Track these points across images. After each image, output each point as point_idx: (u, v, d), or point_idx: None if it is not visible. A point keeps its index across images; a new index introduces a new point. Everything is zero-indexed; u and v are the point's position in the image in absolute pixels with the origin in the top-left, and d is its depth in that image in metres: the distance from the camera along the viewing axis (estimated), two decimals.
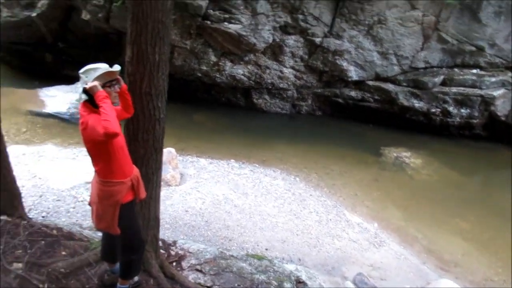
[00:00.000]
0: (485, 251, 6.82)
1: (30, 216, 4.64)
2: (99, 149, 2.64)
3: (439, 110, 11.67)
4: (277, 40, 11.14)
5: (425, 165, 9.88)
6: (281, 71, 11.69)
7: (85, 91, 2.60)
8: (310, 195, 7.65)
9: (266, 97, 12.31)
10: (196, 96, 12.56)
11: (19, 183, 4.40)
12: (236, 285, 4.01)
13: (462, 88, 11.46)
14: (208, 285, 3.91)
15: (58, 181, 6.64)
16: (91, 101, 2.60)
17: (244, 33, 10.61)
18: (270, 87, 12.00)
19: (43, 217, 5.43)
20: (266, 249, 5.77)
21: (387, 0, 10.77)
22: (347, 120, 12.24)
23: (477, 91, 11.38)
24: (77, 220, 5.51)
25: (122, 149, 2.77)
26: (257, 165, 8.67)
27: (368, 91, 11.95)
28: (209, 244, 5.25)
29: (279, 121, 12.17)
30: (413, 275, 5.81)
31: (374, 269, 5.78)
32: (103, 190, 2.76)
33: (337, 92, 12.16)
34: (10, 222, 3.86)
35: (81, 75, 2.67)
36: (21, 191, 4.48)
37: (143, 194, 3.01)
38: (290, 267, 4.96)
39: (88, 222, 5.38)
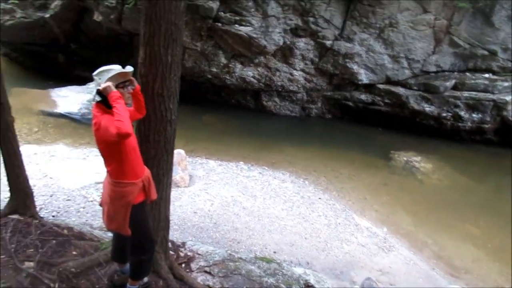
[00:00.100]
0: (496, 257, 6.71)
1: (41, 215, 4.68)
2: (112, 150, 2.66)
3: (450, 114, 11.56)
4: (288, 42, 11.14)
5: (435, 169, 9.77)
6: (291, 74, 11.69)
7: (98, 92, 2.61)
8: (319, 198, 7.62)
9: (276, 99, 12.31)
10: (206, 97, 12.60)
11: (30, 182, 4.44)
12: (244, 287, 4.00)
13: (474, 93, 11.34)
14: (217, 287, 3.91)
15: (69, 181, 6.70)
16: (104, 101, 2.62)
17: (254, 36, 10.63)
18: (280, 89, 12.00)
19: (53, 216, 5.46)
20: (274, 252, 5.75)
21: (399, 3, 10.71)
22: (356, 124, 12.18)
23: (489, 96, 11.26)
24: (87, 220, 5.54)
25: (134, 150, 2.78)
26: (266, 168, 8.65)
27: (378, 94, 11.89)
28: (217, 246, 5.25)
29: (289, 123, 12.15)
30: (422, 281, 5.74)
31: (383, 274, 5.72)
32: (115, 190, 2.77)
33: (347, 95, 12.11)
34: (22, 221, 3.90)
35: (94, 77, 2.69)
36: (32, 190, 4.52)
37: (154, 195, 3.02)
38: (298, 270, 4.92)
39: (98, 222, 5.41)
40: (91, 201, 6.23)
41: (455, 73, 11.65)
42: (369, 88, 11.91)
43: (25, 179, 4.21)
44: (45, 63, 13.98)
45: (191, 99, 11.00)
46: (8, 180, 4.19)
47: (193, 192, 7.00)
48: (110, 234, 4.28)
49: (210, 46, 11.28)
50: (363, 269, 5.73)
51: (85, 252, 3.61)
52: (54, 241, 3.68)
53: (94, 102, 2.66)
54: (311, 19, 10.84)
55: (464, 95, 11.33)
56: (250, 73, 11.65)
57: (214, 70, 11.64)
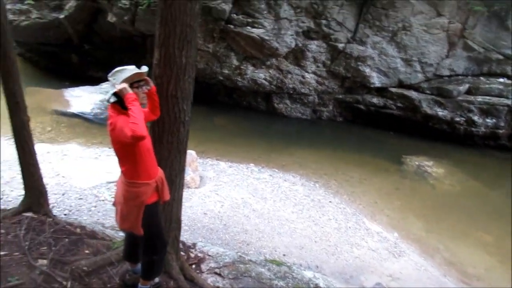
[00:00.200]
0: (509, 265, 6.60)
1: (53, 214, 4.72)
2: (127, 150, 2.67)
3: (463, 119, 11.44)
4: (300, 45, 11.13)
5: (447, 175, 9.67)
6: (302, 76, 11.67)
7: (114, 93, 2.63)
8: (330, 201, 7.58)
9: (287, 101, 12.30)
10: (217, 99, 12.64)
11: (43, 180, 4.49)
12: None
13: (488, 97, 11.22)
14: None
15: (81, 180, 6.77)
16: (120, 102, 2.64)
17: (266, 38, 10.64)
18: (291, 92, 11.99)
19: (65, 214, 5.52)
20: (284, 255, 5.73)
21: (413, 6, 10.64)
22: (368, 127, 12.11)
23: (504, 101, 11.12)
24: (98, 219, 5.58)
25: (149, 151, 2.80)
26: (276, 170, 8.64)
27: (390, 98, 11.81)
28: (227, 248, 5.24)
29: (300, 126, 12.13)
30: None
31: (393, 280, 5.67)
32: (128, 190, 2.79)
33: (359, 99, 12.06)
34: (36, 219, 3.95)
35: (109, 78, 2.71)
36: (46, 188, 4.57)
37: (167, 196, 3.03)
38: (308, 274, 4.90)
39: (110, 221, 5.46)
40: (103, 200, 6.29)
41: (469, 77, 11.54)
42: (381, 91, 11.84)
43: (39, 178, 4.27)
44: (59, 63, 14.16)
45: (202, 101, 11.04)
46: (23, 178, 4.25)
47: (204, 193, 7.01)
48: (121, 234, 4.31)
49: (222, 48, 11.32)
50: (373, 274, 5.68)
51: (97, 251, 3.64)
52: (67, 240, 3.72)
53: (109, 103, 2.68)
54: (324, 21, 10.82)
55: (478, 99, 11.21)
56: (261, 75, 11.66)
57: (226, 71, 11.67)
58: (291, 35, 10.90)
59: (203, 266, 4.09)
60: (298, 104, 12.34)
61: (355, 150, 10.48)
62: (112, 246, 3.78)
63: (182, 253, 3.97)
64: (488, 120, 11.34)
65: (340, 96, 12.18)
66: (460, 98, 11.33)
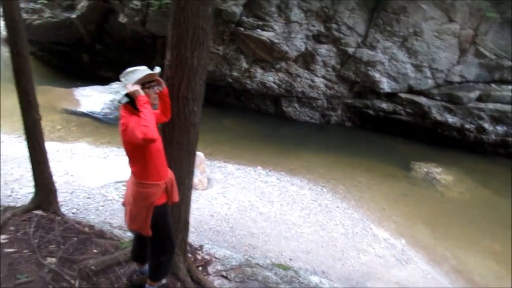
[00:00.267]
0: None
1: (62, 212, 4.75)
2: (137, 151, 2.68)
3: (473, 126, 11.34)
4: (310, 48, 11.12)
5: (456, 182, 9.57)
6: (312, 80, 11.65)
7: (126, 94, 2.64)
8: (337, 206, 7.54)
9: (296, 105, 12.28)
10: (225, 101, 12.67)
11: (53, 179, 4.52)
12: None
13: (499, 105, 11.11)
14: None
15: (89, 179, 6.81)
16: (132, 103, 2.64)
17: (276, 41, 10.65)
18: (300, 95, 11.97)
19: (73, 213, 5.55)
20: (290, 259, 5.71)
21: (424, 12, 10.59)
22: (376, 132, 12.05)
23: None
24: (105, 218, 5.61)
25: (160, 152, 2.80)
26: (284, 174, 8.62)
27: (400, 103, 11.74)
28: (233, 251, 5.23)
29: (308, 130, 12.09)
30: None
31: (400, 287, 5.62)
32: (138, 191, 2.79)
33: (368, 104, 12.00)
34: (45, 217, 3.98)
35: (121, 79, 2.72)
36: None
37: (176, 197, 3.03)
38: (314, 279, 4.87)
39: (117, 221, 5.48)
40: (110, 199, 6.32)
41: (480, 84, 11.44)
42: (391, 97, 11.79)
43: (49, 176, 4.29)
44: (70, 63, 14.31)
45: (211, 102, 11.07)
46: (33, 176, 4.28)
47: (211, 195, 7.02)
48: (129, 234, 4.33)
49: (232, 50, 11.35)
50: (380, 281, 5.64)
51: (105, 251, 3.65)
52: (75, 238, 3.73)
53: (121, 103, 2.69)
54: (334, 25, 10.81)
55: (489, 107, 11.11)
56: (270, 78, 11.66)
57: (235, 74, 11.70)
58: (301, 38, 10.90)
59: (210, 269, 4.08)
60: (307, 108, 12.31)
61: (363, 155, 10.42)
62: (120, 246, 3.78)
63: (189, 255, 3.96)
64: (498, 128, 11.23)
65: (349, 101, 12.14)
66: (470, 105, 11.24)
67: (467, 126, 11.37)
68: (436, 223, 7.78)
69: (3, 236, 3.63)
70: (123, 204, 3.03)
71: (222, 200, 6.92)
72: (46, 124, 9.01)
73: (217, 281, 3.96)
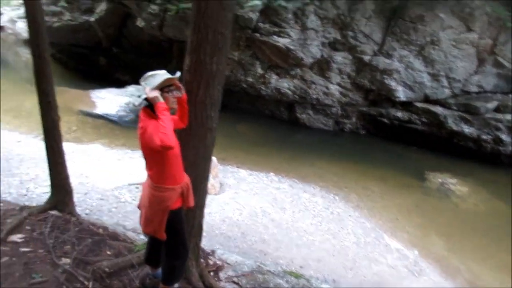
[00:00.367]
0: None
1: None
2: (155, 155, 2.69)
3: (490, 137, 11.14)
4: (325, 56, 11.10)
5: (472, 193, 9.41)
6: (326, 87, 11.61)
7: (146, 98, 2.66)
8: (349, 215, 7.48)
9: (310, 112, 12.23)
10: (239, 106, 12.68)
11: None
12: None
13: None
14: None
15: (103, 181, 6.87)
16: (151, 106, 2.66)
17: (292, 47, 10.66)
18: (314, 102, 11.93)
19: (86, 214, 5.59)
20: (301, 267, 5.67)
21: (442, 21, 10.50)
22: (391, 141, 11.91)
23: None
24: (118, 220, 5.64)
25: (177, 156, 2.81)
26: (296, 180, 8.58)
27: (415, 112, 11.62)
28: (244, 256, 5.21)
29: (321, 137, 12.02)
30: None
31: None
32: (154, 194, 2.80)
33: (383, 112, 11.90)
34: (61, 218, 4.02)
35: (141, 83, 2.75)
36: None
37: (191, 202, 3.03)
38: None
39: (129, 223, 5.50)
40: (123, 201, 6.36)
41: (498, 94, 11.27)
42: (406, 105, 11.67)
43: (66, 176, 4.35)
44: (87, 65, 14.52)
45: (224, 107, 11.08)
46: (50, 176, 4.33)
47: (223, 200, 7.01)
48: (142, 237, 4.34)
49: (248, 56, 11.39)
50: None
51: (118, 253, 3.66)
52: (90, 240, 3.76)
53: (141, 107, 2.71)
54: (350, 33, 10.78)
55: (507, 117, 10.91)
56: (285, 84, 11.66)
57: (250, 79, 11.73)
58: (317, 45, 10.89)
59: (222, 274, 4.07)
60: (321, 115, 12.26)
61: (377, 164, 10.31)
62: (133, 248, 3.80)
63: (201, 259, 3.96)
64: None
65: (364, 109, 12.05)
66: (488, 115, 11.05)
67: (484, 136, 11.18)
68: (450, 234, 7.66)
69: (19, 235, 3.68)
70: (139, 207, 3.05)
71: (234, 205, 6.92)
72: (62, 125, 8.92)
73: (228, 287, 3.94)
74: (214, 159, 7.54)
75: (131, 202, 6.32)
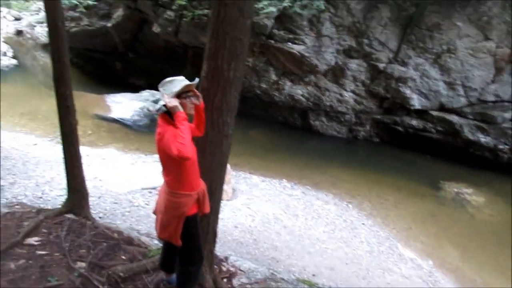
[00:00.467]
0: None
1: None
2: (171, 161, 2.69)
3: (507, 147, 10.94)
4: (340, 63, 11.06)
5: (488, 204, 9.24)
6: (340, 94, 11.56)
7: (165, 105, 2.68)
8: (362, 223, 7.41)
9: (323, 119, 12.18)
10: (253, 112, 12.69)
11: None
12: None
13: None
14: None
15: (117, 185, 6.92)
16: (169, 112, 2.68)
17: (307, 54, 10.65)
18: (328, 109, 11.89)
19: (100, 217, 5.63)
20: (314, 275, 5.62)
21: (459, 29, 10.39)
22: (405, 149, 11.78)
23: None
24: (131, 224, 5.67)
25: (193, 163, 2.81)
26: (309, 187, 8.54)
27: (430, 121, 11.48)
28: (257, 263, 5.19)
29: (335, 144, 11.95)
30: None
31: None
32: (170, 200, 2.80)
33: (397, 120, 11.79)
34: (77, 221, 4.05)
35: (160, 89, 2.77)
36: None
37: (207, 208, 3.03)
38: None
39: (142, 227, 5.53)
40: (136, 206, 6.40)
41: None
42: (421, 114, 11.54)
43: (82, 180, 4.38)
44: (103, 70, 14.71)
45: (238, 113, 11.09)
46: (67, 179, 4.37)
47: (235, 206, 7.01)
48: (156, 242, 4.36)
49: (262, 62, 11.42)
50: None
51: (133, 258, 3.67)
52: (105, 244, 3.78)
53: (159, 112, 2.73)
54: (366, 40, 10.73)
55: None
56: (299, 91, 11.65)
57: (264, 86, 11.74)
58: (332, 52, 10.87)
59: (235, 281, 4.05)
60: (335, 122, 12.20)
61: (391, 172, 10.20)
62: (147, 254, 3.80)
63: (214, 266, 3.94)
64: None
65: (378, 117, 11.96)
66: (504, 125, 10.86)
67: (501, 146, 10.98)
68: (465, 245, 7.54)
69: (35, 238, 3.72)
70: (154, 212, 3.05)
71: (246, 212, 6.91)
72: (78, 128, 9.25)
73: None
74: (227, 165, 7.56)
75: (144, 207, 6.35)
